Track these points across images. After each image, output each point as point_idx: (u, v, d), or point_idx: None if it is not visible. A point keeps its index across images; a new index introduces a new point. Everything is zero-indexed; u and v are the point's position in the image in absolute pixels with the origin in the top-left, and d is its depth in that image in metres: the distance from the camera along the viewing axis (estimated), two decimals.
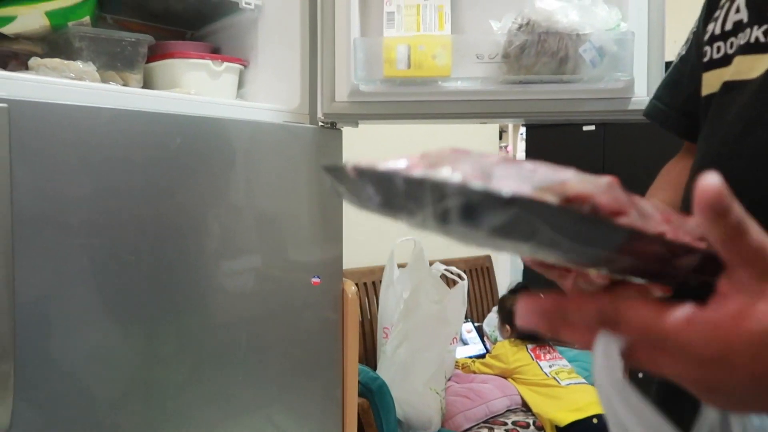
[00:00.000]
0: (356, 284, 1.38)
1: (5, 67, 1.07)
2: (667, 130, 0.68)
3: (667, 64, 0.74)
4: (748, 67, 0.48)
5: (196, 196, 1.04)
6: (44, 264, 0.86)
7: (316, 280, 1.20)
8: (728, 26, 0.52)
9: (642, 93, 1.08)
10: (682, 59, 0.66)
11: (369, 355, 2.13)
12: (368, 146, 2.05)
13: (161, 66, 1.22)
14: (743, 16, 0.50)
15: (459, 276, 2.13)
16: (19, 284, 0.82)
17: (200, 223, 1.04)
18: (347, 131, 1.28)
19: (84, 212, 0.90)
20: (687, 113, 0.64)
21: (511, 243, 0.28)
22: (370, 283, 2.28)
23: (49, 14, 1.02)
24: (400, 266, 2.10)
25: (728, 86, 0.51)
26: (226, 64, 1.26)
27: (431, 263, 2.10)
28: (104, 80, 1.13)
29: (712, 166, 0.44)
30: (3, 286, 0.80)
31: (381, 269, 2.18)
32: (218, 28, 1.42)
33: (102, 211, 0.91)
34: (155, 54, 1.25)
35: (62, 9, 1.02)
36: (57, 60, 1.03)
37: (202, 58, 1.23)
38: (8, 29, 1.00)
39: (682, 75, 0.65)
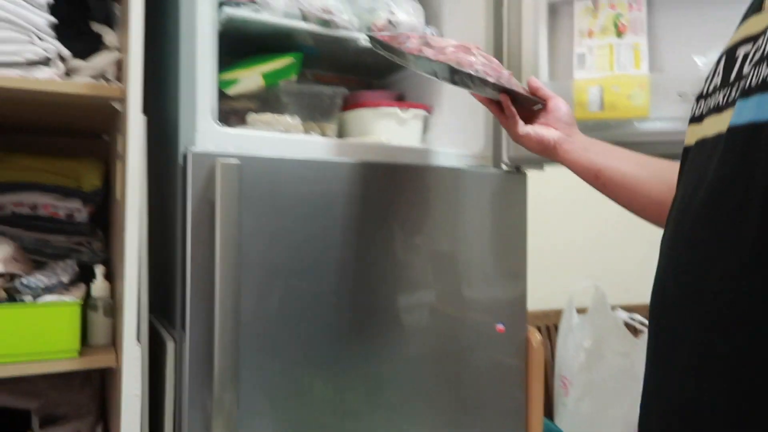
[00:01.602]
0: None
1: (227, 122, 1.23)
2: None
3: None
4: (709, 127, 0.53)
5: (388, 241, 1.08)
6: (258, 302, 0.95)
7: (500, 327, 1.17)
8: (710, 89, 0.56)
9: None
10: None
11: (544, 405, 2.03)
12: (553, 189, 1.99)
13: (354, 115, 1.31)
14: (718, 80, 0.54)
15: (644, 325, 1.96)
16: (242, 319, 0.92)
17: (393, 267, 1.08)
18: (532, 174, 1.25)
19: (293, 257, 0.98)
20: None
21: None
22: (544, 327, 2.19)
23: (265, 75, 1.14)
24: (579, 311, 1.99)
25: (698, 143, 0.55)
26: (412, 111, 1.31)
27: (612, 308, 1.96)
28: (306, 130, 1.24)
29: (673, 214, 0.55)
30: (233, 321, 0.89)
31: (555, 313, 2.08)
32: (403, 76, 1.48)
33: (307, 257, 0.99)
34: (348, 104, 1.34)
35: (276, 70, 1.14)
36: (269, 115, 1.16)
37: (391, 106, 1.29)
38: (231, 90, 1.14)
39: None
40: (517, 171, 1.23)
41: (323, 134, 1.27)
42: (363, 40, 1.20)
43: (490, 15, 1.22)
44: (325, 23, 1.15)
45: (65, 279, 1.01)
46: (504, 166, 1.24)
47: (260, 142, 1.02)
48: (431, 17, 1.35)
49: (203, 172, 0.92)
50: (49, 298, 0.96)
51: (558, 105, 0.96)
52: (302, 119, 1.21)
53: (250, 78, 1.14)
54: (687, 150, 0.59)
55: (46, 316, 0.93)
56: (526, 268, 1.24)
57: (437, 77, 0.93)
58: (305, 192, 1.00)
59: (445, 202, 1.15)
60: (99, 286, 1.03)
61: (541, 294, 2.13)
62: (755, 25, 0.51)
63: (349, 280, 1.03)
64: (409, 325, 1.10)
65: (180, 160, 0.94)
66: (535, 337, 1.22)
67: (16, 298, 0.96)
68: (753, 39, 0.50)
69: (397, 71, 1.49)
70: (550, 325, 2.20)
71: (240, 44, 1.19)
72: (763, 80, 0.44)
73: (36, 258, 1.13)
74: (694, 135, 0.57)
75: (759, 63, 0.45)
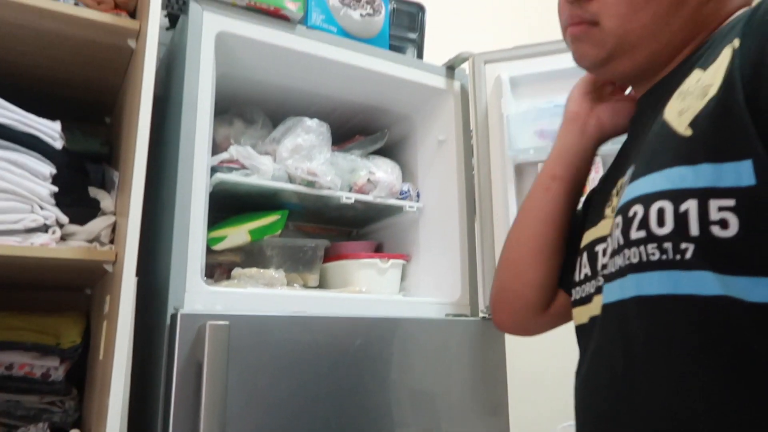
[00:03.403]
0: None
1: (212, 276, 1.26)
2: None
3: None
4: (596, 306, 0.62)
5: (372, 391, 1.08)
6: None
7: None
8: (582, 277, 0.67)
9: None
10: None
11: None
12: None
13: (336, 265, 1.36)
14: (588, 271, 0.66)
15: None
16: None
17: (378, 417, 1.07)
18: None
19: (279, 409, 0.97)
20: None
21: None
22: None
23: (252, 232, 1.20)
24: None
25: (591, 319, 0.64)
26: (391, 261, 1.37)
27: None
28: (289, 282, 1.27)
29: (577, 387, 0.64)
30: None
31: None
32: (382, 226, 1.56)
33: (292, 411, 0.98)
34: (329, 254, 1.40)
35: (262, 227, 1.20)
36: (254, 269, 1.20)
37: (371, 257, 1.35)
38: (218, 246, 1.18)
39: None
40: None
41: (306, 285, 1.31)
42: (345, 198, 1.28)
43: (462, 174, 1.33)
44: (310, 184, 1.23)
45: None
46: (481, 314, 1.28)
47: (246, 299, 1.04)
48: (407, 175, 1.46)
49: (191, 333, 0.93)
50: None
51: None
52: (285, 271, 1.26)
53: (237, 235, 1.19)
54: (582, 326, 0.67)
55: None
56: (508, 411, 1.23)
57: None
58: (290, 347, 1.01)
59: (425, 352, 1.16)
60: None
61: None
62: (603, 229, 0.65)
63: None
64: None
65: (168, 320, 0.96)
66: None
67: None
68: (603, 239, 0.64)
69: (376, 222, 1.57)
70: None
71: (228, 201, 1.26)
72: (619, 268, 0.56)
73: (4, 421, 1.09)
74: (586, 313, 0.65)
75: (612, 255, 0.58)
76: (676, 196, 0.49)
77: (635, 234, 0.52)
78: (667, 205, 0.50)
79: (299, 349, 1.02)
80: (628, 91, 0.78)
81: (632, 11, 0.61)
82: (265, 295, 1.08)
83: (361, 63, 1.24)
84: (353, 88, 1.33)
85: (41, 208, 0.93)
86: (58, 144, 0.98)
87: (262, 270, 1.19)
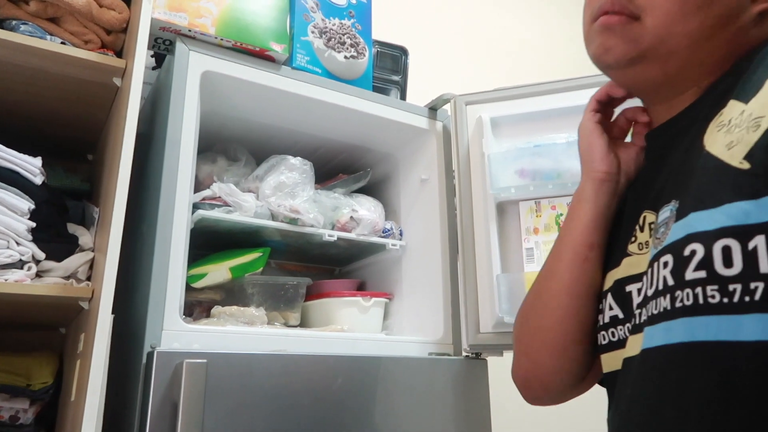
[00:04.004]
0: None
1: (191, 314, 1.24)
2: None
3: None
4: (630, 348, 0.58)
5: (354, 430, 1.06)
6: None
7: None
8: (608, 319, 0.64)
9: None
10: None
11: None
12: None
13: (318, 303, 1.35)
14: (618, 312, 0.63)
15: None
16: None
17: None
18: (492, 360, 1.28)
19: None
20: None
21: None
22: None
23: (233, 269, 1.19)
24: None
25: (626, 363, 0.59)
26: (374, 299, 1.36)
27: None
28: (270, 320, 1.26)
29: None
30: None
31: None
32: (364, 264, 1.56)
33: None
34: (311, 292, 1.38)
35: (243, 264, 1.20)
36: (234, 307, 1.18)
37: (354, 295, 1.34)
38: (198, 284, 1.17)
39: None
40: (477, 357, 1.26)
41: (287, 323, 1.29)
42: (327, 236, 1.28)
43: (444, 213, 1.34)
44: (293, 221, 1.23)
45: None
46: (464, 353, 1.27)
47: (225, 337, 1.03)
48: (390, 213, 1.46)
49: (168, 371, 0.91)
50: None
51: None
52: (267, 309, 1.24)
53: (218, 272, 1.18)
54: (614, 373, 0.62)
55: None
56: None
57: None
58: (270, 386, 0.99)
59: (408, 391, 1.15)
60: None
61: None
62: (632, 267, 0.61)
63: None
64: None
65: (144, 358, 0.93)
66: None
67: None
68: (635, 278, 0.60)
69: (358, 260, 1.56)
70: None
71: (210, 238, 1.25)
72: (664, 310, 0.51)
73: None
74: (618, 357, 0.61)
75: (655, 296, 0.54)
76: (742, 233, 0.46)
77: (692, 274, 0.49)
78: (734, 244, 0.47)
79: (279, 389, 1.00)
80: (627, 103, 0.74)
81: (682, 14, 0.58)
82: (245, 334, 1.07)
83: (345, 103, 1.26)
84: (337, 127, 1.35)
85: (17, 243, 0.91)
86: (38, 180, 0.98)
87: (242, 308, 1.18)
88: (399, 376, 1.15)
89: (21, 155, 0.97)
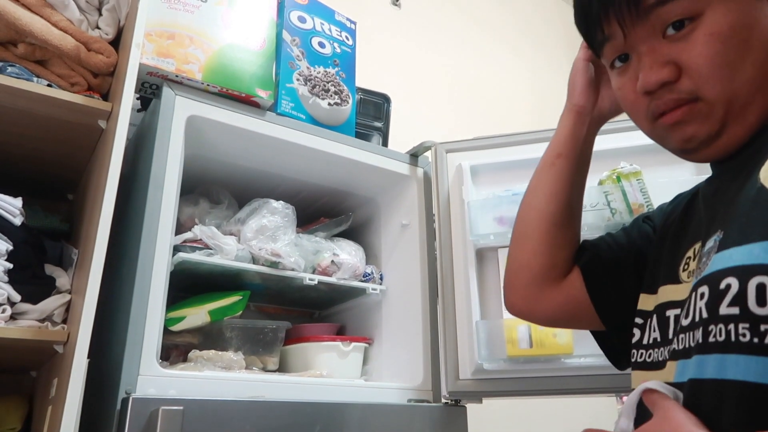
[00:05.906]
0: None
1: (168, 358, 1.22)
2: None
3: None
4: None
5: None
6: None
7: None
8: (650, 341, 0.64)
9: None
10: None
11: None
12: (492, 421, 1.98)
13: (296, 348, 1.34)
14: (657, 336, 0.63)
15: None
16: None
17: None
18: (471, 407, 1.27)
19: None
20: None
21: None
22: None
23: (211, 312, 1.18)
24: None
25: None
26: (353, 344, 1.35)
27: None
28: (248, 364, 1.24)
29: None
30: None
31: None
32: (344, 308, 1.56)
33: None
34: (290, 336, 1.37)
35: (223, 307, 1.19)
36: (212, 351, 1.17)
37: (333, 340, 1.33)
38: (176, 327, 1.16)
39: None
40: (457, 405, 1.25)
41: (265, 367, 1.28)
42: (308, 279, 1.28)
43: (424, 258, 1.35)
44: (274, 264, 1.23)
45: None
46: (444, 399, 1.27)
47: (202, 383, 1.01)
48: (371, 258, 1.47)
49: (143, 418, 0.89)
50: None
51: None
52: (245, 353, 1.23)
53: (196, 315, 1.17)
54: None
55: None
56: None
57: None
58: None
59: None
60: None
61: None
62: (678, 293, 0.61)
63: None
64: None
65: (118, 404, 0.91)
66: None
67: None
68: (677, 304, 0.60)
69: (338, 303, 1.56)
70: None
71: (190, 281, 1.24)
72: (698, 343, 0.51)
73: None
74: (656, 378, 0.60)
75: (691, 328, 0.53)
76: None
77: (725, 310, 0.47)
78: None
79: None
80: None
81: (731, 70, 0.57)
82: (223, 379, 1.05)
83: (328, 149, 1.28)
84: (319, 171, 1.37)
85: None
86: (18, 221, 0.97)
87: (220, 352, 1.16)
88: (378, 423, 1.14)
89: (1, 195, 0.96)
